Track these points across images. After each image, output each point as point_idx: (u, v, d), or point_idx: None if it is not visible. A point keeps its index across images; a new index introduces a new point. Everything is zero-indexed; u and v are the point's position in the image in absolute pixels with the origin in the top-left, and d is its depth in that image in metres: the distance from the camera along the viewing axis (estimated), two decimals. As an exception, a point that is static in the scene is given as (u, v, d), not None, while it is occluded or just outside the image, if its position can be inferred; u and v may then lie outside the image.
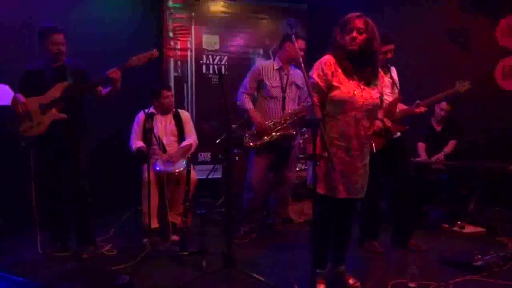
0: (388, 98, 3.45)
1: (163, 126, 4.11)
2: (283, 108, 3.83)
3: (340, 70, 2.57)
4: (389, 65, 3.50)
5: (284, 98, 3.83)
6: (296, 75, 3.90)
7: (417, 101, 3.53)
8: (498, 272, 3.03)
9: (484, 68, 4.87)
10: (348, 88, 2.56)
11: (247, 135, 3.83)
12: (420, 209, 4.35)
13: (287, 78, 3.86)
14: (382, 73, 2.79)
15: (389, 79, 3.49)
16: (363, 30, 2.52)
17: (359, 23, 2.53)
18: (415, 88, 3.69)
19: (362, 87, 2.59)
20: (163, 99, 4.07)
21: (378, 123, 2.70)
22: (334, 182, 2.58)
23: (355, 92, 2.56)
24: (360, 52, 2.54)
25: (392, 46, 3.42)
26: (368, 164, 2.73)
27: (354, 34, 2.52)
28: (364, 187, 2.71)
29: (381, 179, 3.53)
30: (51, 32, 3.28)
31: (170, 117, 4.16)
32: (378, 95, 2.67)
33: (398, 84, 3.52)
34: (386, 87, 3.46)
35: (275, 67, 3.87)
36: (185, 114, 4.27)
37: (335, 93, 2.55)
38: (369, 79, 2.62)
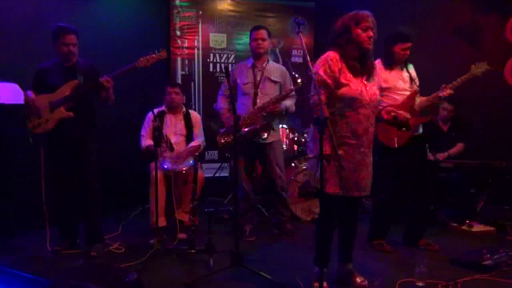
0: (407, 93, 3.43)
1: (172, 125, 4.14)
2: (254, 104, 3.83)
3: (346, 67, 2.57)
4: (407, 62, 3.49)
5: (256, 94, 3.84)
6: (272, 69, 3.92)
7: (443, 85, 3.41)
8: (507, 271, 3.01)
9: (493, 65, 4.81)
10: (356, 85, 2.55)
11: (220, 132, 3.91)
12: (429, 208, 4.31)
13: (262, 74, 3.87)
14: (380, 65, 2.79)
15: (408, 74, 3.47)
16: (374, 30, 2.55)
17: (373, 22, 2.55)
18: (424, 85, 3.66)
19: (365, 83, 2.60)
20: (166, 95, 4.13)
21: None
22: (346, 181, 2.57)
23: (362, 89, 2.56)
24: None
25: (410, 44, 3.38)
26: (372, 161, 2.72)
27: (371, 33, 2.53)
28: (370, 183, 2.70)
29: (400, 179, 3.45)
30: (63, 32, 3.31)
31: (180, 116, 4.20)
32: (378, 91, 2.70)
33: (417, 80, 3.50)
34: (405, 82, 3.45)
35: (249, 65, 3.94)
36: (195, 116, 4.31)
37: (345, 91, 2.54)
38: (369, 73, 2.63)
